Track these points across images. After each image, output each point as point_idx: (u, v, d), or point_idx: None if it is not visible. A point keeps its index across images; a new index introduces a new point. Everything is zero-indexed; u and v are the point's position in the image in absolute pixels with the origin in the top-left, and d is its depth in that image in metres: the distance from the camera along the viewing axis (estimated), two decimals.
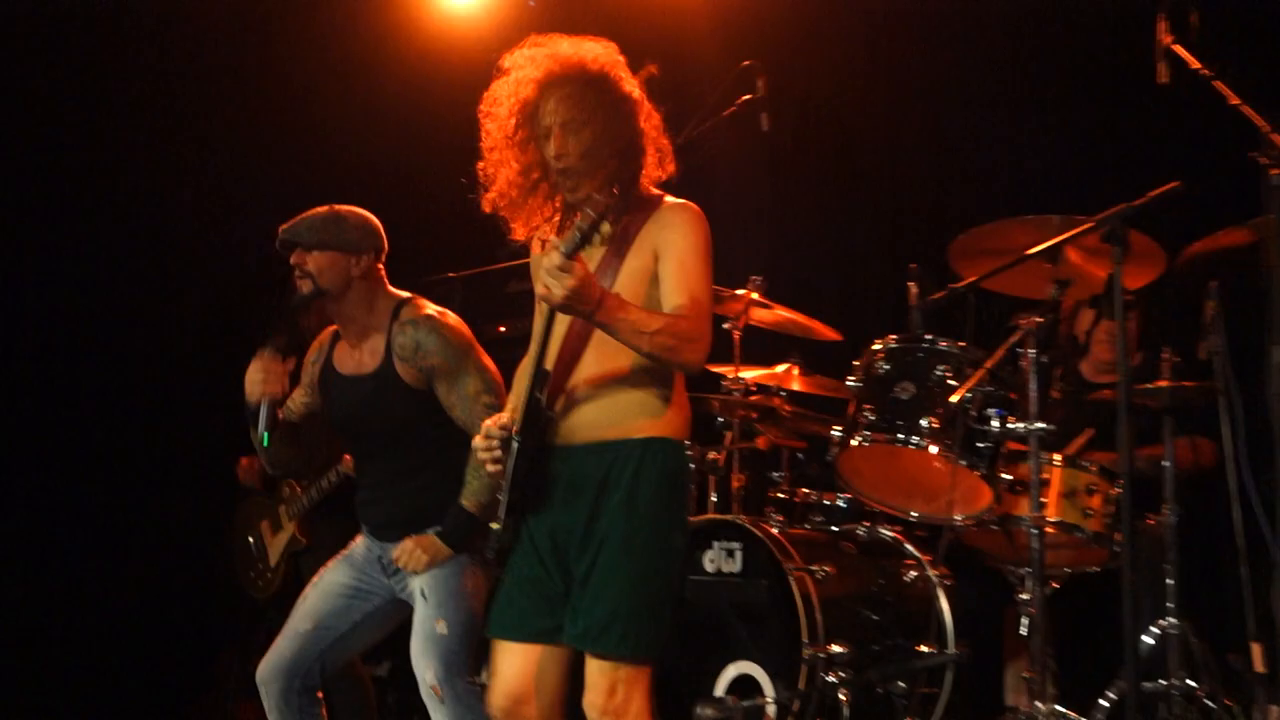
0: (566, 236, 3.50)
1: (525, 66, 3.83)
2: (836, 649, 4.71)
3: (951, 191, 7.08)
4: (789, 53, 6.85)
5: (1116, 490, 4.89)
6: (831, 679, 4.67)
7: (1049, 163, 6.78)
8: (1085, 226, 4.51)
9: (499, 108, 3.86)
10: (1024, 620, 4.88)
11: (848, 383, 5.13)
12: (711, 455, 5.74)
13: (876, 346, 5.09)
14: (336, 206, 4.78)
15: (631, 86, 3.83)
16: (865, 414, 4.99)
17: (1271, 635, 4.25)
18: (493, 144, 3.88)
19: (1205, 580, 5.58)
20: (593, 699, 3.65)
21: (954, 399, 4.78)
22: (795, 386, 5.81)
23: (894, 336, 5.08)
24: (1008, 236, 4.87)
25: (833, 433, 5.10)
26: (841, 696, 4.67)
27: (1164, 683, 4.88)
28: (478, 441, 3.81)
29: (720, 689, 4.83)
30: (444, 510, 4.59)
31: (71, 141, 7.39)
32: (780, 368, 5.87)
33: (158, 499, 7.57)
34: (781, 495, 5.59)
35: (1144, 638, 4.94)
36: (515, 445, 3.70)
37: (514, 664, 3.75)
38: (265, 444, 4.69)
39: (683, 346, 3.65)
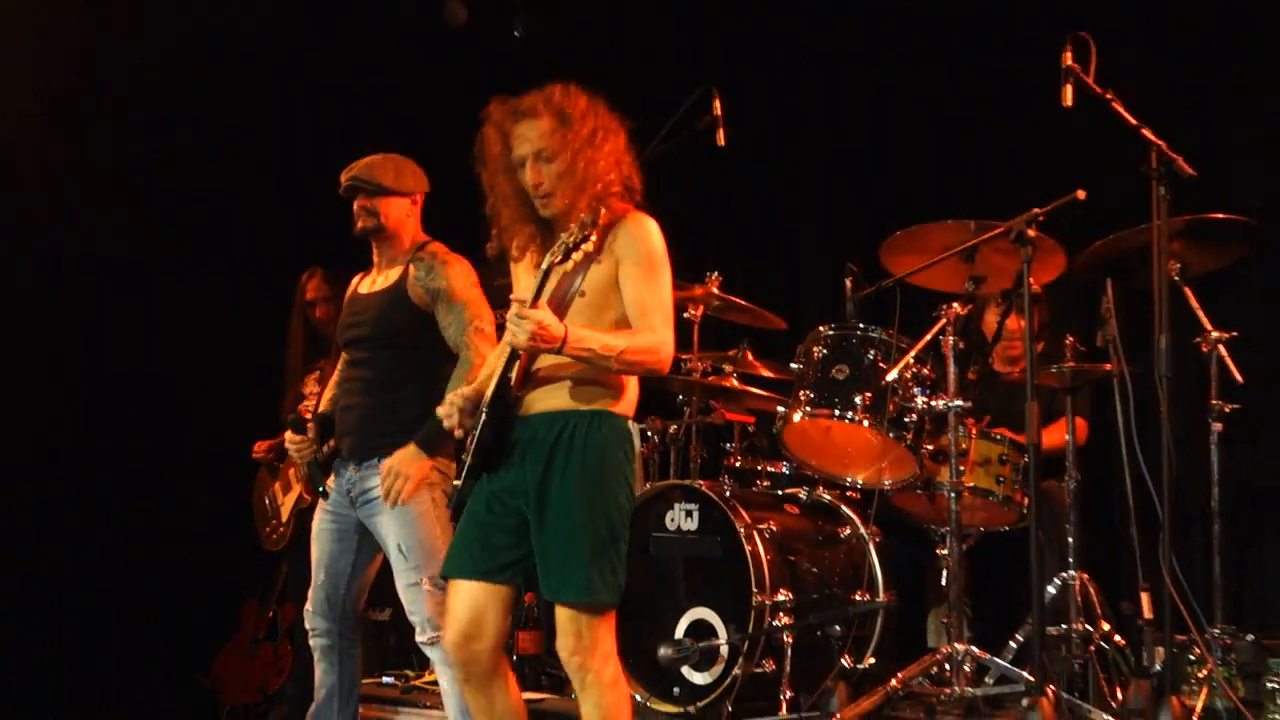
0: (530, 287, 3.57)
1: (498, 111, 3.82)
2: (781, 597, 4.73)
3: (882, 199, 7.11)
4: (742, 73, 6.87)
5: (1024, 460, 4.94)
6: (777, 623, 4.69)
7: (968, 173, 6.83)
8: (998, 230, 4.57)
9: (483, 155, 3.86)
10: (944, 572, 4.93)
11: (791, 365, 5.17)
12: (673, 428, 5.77)
13: (816, 333, 5.13)
14: (388, 155, 4.82)
15: (596, 119, 3.79)
16: (806, 392, 5.03)
17: (1158, 586, 4.29)
18: (488, 186, 3.88)
19: (1101, 538, 5.63)
20: (564, 643, 3.68)
21: (885, 379, 4.83)
22: (746, 368, 5.83)
23: (831, 325, 5.11)
24: (930, 238, 4.92)
25: (778, 409, 5.15)
26: (786, 638, 4.69)
27: (1065, 627, 4.91)
28: (442, 410, 3.84)
29: (680, 632, 4.85)
30: (411, 429, 4.48)
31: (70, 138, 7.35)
32: (733, 352, 5.89)
33: (188, 464, 7.57)
34: (734, 463, 5.62)
35: (1048, 588, 4.96)
36: (484, 415, 3.73)
37: (464, 601, 3.75)
38: (321, 492, 4.79)
39: (646, 360, 3.70)
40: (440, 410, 3.87)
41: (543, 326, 3.50)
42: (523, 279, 3.92)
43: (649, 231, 3.80)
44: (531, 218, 3.85)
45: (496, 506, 3.79)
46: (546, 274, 3.61)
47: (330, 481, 4.80)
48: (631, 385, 3.85)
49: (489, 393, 3.76)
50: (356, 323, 4.82)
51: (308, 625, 4.84)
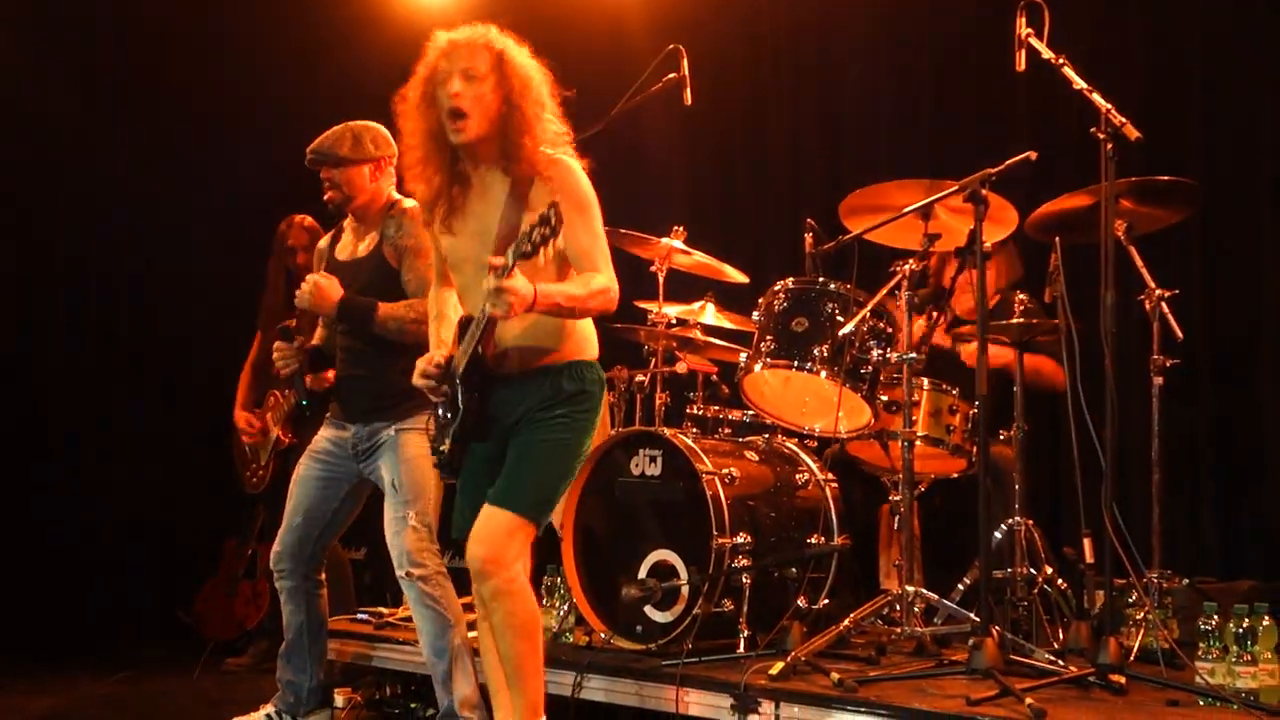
0: (499, 266, 3.51)
1: (437, 42, 3.81)
2: (740, 539, 4.72)
3: (842, 157, 7.09)
4: (709, 37, 6.83)
5: (973, 410, 4.95)
6: (736, 565, 4.69)
7: (924, 133, 6.81)
8: (952, 188, 4.57)
9: (407, 87, 3.84)
10: (896, 517, 4.95)
11: (753, 317, 5.17)
12: (639, 378, 5.75)
13: (777, 287, 5.11)
14: (351, 124, 4.80)
15: (526, 69, 3.77)
16: (767, 344, 5.02)
17: (1099, 532, 4.31)
18: (404, 112, 3.86)
19: (1046, 486, 5.66)
20: (476, 549, 3.72)
21: (841, 332, 4.83)
22: (709, 320, 5.81)
23: (792, 279, 5.09)
24: (887, 196, 4.92)
25: (740, 359, 5.14)
26: (744, 579, 4.70)
27: (1010, 570, 4.93)
28: (417, 379, 3.87)
29: (643, 572, 4.83)
30: (408, 391, 4.53)
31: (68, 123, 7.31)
32: (697, 304, 5.86)
33: (170, 410, 7.56)
34: (697, 411, 5.60)
35: (995, 533, 4.97)
36: (460, 388, 3.79)
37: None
38: (304, 407, 4.93)
39: (601, 302, 3.72)
40: (417, 383, 3.88)
41: (518, 295, 3.51)
42: (445, 242, 3.92)
43: (576, 175, 3.79)
44: (442, 165, 3.82)
45: (482, 469, 3.88)
46: (511, 267, 3.53)
47: (324, 409, 4.87)
48: (589, 328, 3.95)
49: (462, 365, 3.79)
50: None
51: (273, 565, 4.86)
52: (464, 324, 3.85)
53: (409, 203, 4.72)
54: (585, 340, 3.91)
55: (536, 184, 3.75)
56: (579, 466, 3.96)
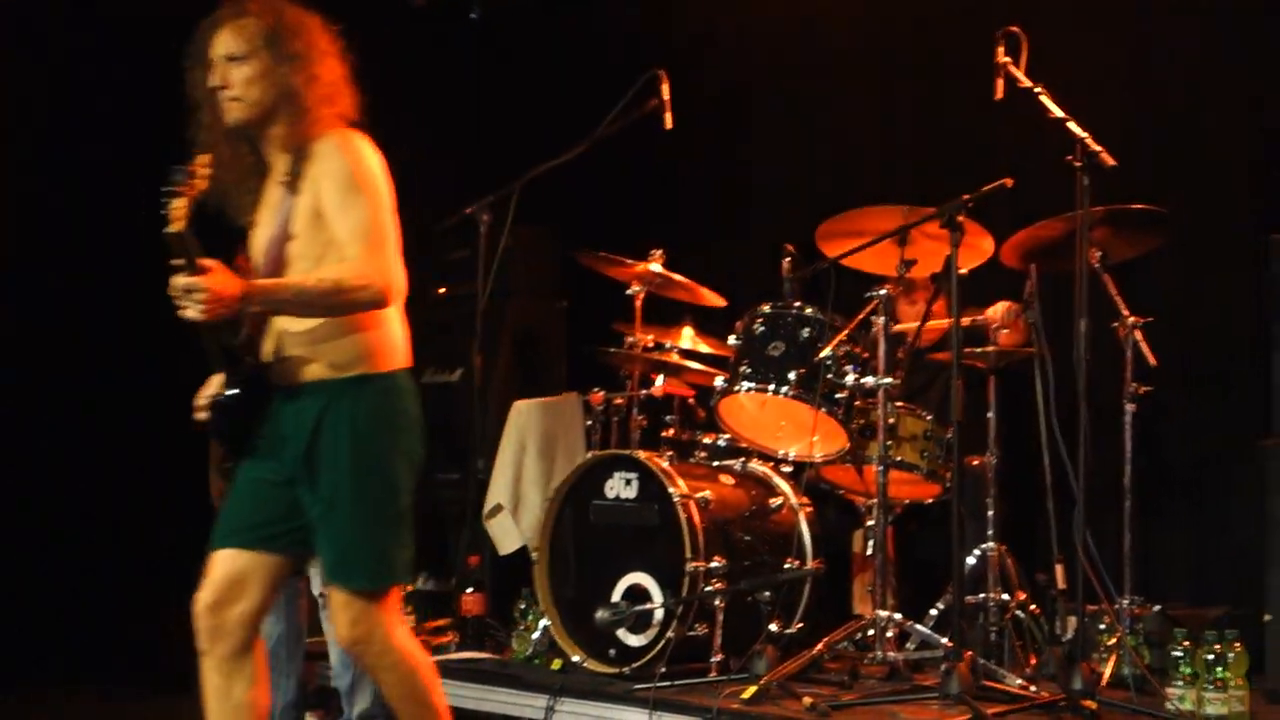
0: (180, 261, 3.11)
1: (202, 30, 3.41)
2: (715, 563, 4.72)
3: (819, 182, 7.10)
4: (689, 61, 6.84)
5: (948, 435, 4.95)
6: (710, 588, 4.68)
7: (901, 160, 6.83)
8: (928, 214, 4.58)
9: (192, 80, 3.43)
10: (870, 542, 4.95)
11: (729, 341, 5.16)
12: (615, 400, 5.75)
13: (754, 311, 5.12)
14: None
15: (305, 39, 3.37)
16: (743, 367, 5.02)
17: (1072, 558, 4.32)
18: (197, 109, 3.44)
19: (1019, 512, 5.66)
20: (339, 631, 3.37)
21: (818, 357, 4.83)
22: (686, 344, 5.80)
23: (769, 303, 5.10)
24: (864, 221, 4.94)
25: (716, 383, 5.14)
26: (718, 603, 4.69)
27: (983, 596, 4.96)
28: (200, 402, 3.46)
29: (616, 596, 4.83)
30: None
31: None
32: (674, 327, 5.86)
33: (158, 427, 7.50)
34: (672, 434, 5.59)
35: (968, 559, 4.99)
36: (223, 398, 3.37)
37: (223, 566, 3.34)
38: None
39: (357, 294, 3.22)
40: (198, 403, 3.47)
41: (213, 292, 3.06)
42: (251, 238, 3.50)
43: (348, 147, 3.34)
44: (243, 154, 3.42)
45: (265, 481, 3.40)
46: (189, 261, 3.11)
47: None
48: (388, 333, 3.41)
49: (221, 374, 3.39)
50: None
51: None
52: None
53: None
54: (381, 348, 3.38)
55: (311, 162, 3.32)
56: (405, 500, 3.41)
